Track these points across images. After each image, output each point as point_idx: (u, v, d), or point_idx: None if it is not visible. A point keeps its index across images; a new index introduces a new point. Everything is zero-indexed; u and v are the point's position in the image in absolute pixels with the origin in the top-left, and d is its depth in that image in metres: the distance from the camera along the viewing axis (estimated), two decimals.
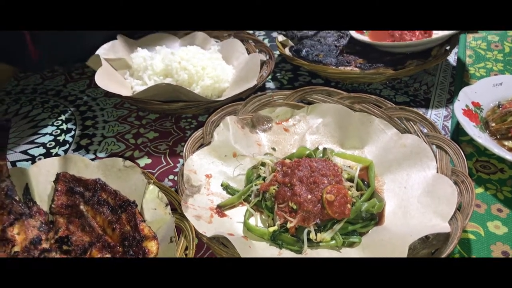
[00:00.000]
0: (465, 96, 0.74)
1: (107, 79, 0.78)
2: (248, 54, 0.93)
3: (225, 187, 0.63)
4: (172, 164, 0.71)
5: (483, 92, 0.76)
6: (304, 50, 0.89)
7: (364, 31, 0.94)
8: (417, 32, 0.86)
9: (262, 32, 1.12)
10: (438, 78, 0.89)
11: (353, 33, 0.91)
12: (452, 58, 0.95)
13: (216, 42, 0.99)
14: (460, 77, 0.89)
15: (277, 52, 0.97)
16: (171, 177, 0.69)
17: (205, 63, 0.83)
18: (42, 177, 0.63)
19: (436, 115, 0.80)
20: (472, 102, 0.74)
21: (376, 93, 0.86)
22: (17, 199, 0.59)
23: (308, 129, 0.72)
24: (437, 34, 0.86)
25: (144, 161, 0.72)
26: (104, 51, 0.86)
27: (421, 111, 0.80)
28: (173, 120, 0.81)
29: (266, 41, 1.07)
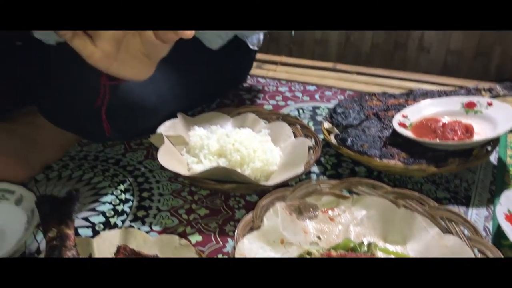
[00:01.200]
0: (507, 200, 0.77)
1: (167, 157, 0.85)
2: (295, 137, 0.99)
3: None
4: (221, 244, 0.75)
5: None
6: (349, 140, 0.95)
7: (407, 124, 0.99)
8: (459, 132, 0.91)
9: (307, 115, 1.19)
10: (479, 177, 0.92)
11: (397, 127, 0.96)
12: (492, 157, 0.98)
13: (265, 123, 1.06)
14: (501, 177, 0.92)
15: (321, 136, 1.03)
16: (220, 256, 0.73)
17: (256, 146, 0.89)
18: (105, 248, 0.68)
19: (477, 214, 0.82)
20: None
21: (417, 187, 0.89)
22: None
23: (353, 220, 0.76)
24: (479, 135, 0.90)
25: (195, 238, 0.76)
26: (165, 128, 0.94)
27: (462, 209, 0.83)
28: (222, 198, 0.86)
29: (311, 124, 1.14)
